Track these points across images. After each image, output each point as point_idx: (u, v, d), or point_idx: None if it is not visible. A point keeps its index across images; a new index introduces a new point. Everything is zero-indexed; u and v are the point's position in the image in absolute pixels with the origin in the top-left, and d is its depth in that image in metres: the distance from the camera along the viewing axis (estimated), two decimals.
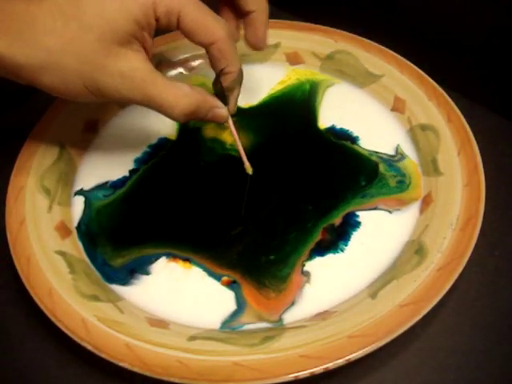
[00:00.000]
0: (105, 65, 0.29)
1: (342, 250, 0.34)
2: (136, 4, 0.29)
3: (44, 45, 0.29)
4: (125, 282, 0.33)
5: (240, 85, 0.35)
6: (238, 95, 0.35)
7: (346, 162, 0.39)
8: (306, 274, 0.33)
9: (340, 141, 0.40)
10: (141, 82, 0.30)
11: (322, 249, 0.34)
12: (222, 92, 0.34)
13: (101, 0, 0.29)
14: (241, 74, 0.34)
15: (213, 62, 0.33)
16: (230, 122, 0.35)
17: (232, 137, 0.35)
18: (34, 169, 0.37)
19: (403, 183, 0.37)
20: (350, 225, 0.35)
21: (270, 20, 0.45)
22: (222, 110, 0.34)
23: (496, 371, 0.31)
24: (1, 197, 0.35)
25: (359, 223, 0.35)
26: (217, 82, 0.34)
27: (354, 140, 0.40)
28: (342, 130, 0.41)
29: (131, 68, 0.30)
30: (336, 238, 0.35)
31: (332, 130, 0.41)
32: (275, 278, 0.33)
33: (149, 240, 0.35)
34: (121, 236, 0.36)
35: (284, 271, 0.33)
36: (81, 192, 0.38)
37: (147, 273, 0.34)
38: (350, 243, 0.34)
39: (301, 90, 0.43)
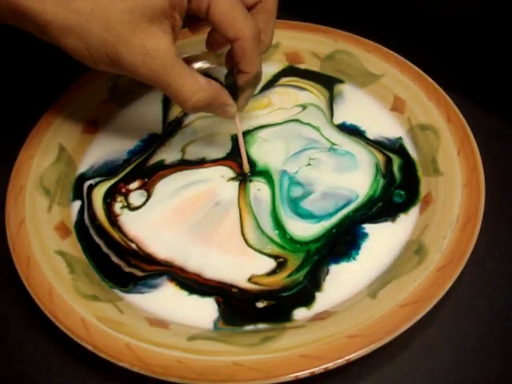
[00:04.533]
0: (129, 38, 0.29)
1: (355, 259, 0.34)
2: None
3: (75, 6, 0.28)
4: (128, 291, 0.33)
5: (255, 87, 0.35)
6: (251, 96, 0.35)
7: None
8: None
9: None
10: (160, 64, 0.30)
11: (336, 257, 0.34)
12: (234, 88, 0.34)
13: None
14: (258, 77, 0.34)
15: (231, 57, 0.33)
16: (237, 119, 0.35)
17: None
18: (34, 169, 0.37)
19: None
20: (358, 236, 0.35)
21: None
22: (232, 109, 0.34)
23: (496, 371, 0.31)
24: (1, 197, 0.35)
25: (367, 234, 0.35)
26: (229, 76, 0.33)
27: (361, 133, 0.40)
28: (351, 125, 0.41)
29: (155, 48, 0.29)
30: (348, 249, 0.34)
31: (343, 125, 0.41)
32: None
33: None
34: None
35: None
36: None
37: (152, 287, 0.33)
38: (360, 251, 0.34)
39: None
